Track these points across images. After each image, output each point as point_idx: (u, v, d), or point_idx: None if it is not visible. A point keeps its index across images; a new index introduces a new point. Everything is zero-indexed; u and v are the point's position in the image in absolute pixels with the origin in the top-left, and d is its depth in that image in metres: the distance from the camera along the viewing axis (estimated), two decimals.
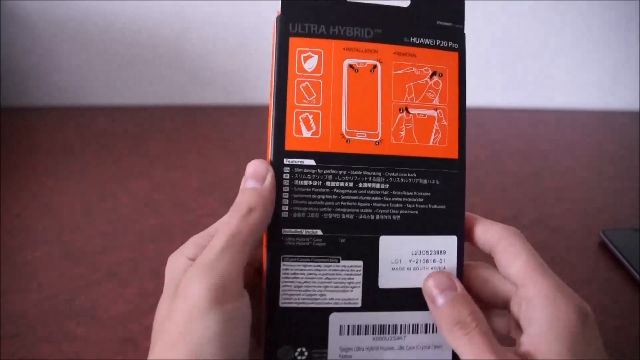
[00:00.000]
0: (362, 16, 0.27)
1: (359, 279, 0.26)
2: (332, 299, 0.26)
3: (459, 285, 0.25)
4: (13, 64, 0.75)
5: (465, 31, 0.28)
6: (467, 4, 0.28)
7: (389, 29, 0.27)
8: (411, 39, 0.27)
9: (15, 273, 0.43)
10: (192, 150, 0.65)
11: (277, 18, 0.26)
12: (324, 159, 0.26)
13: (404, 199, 0.27)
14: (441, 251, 0.27)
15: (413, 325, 0.26)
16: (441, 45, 0.28)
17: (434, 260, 0.27)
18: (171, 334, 0.21)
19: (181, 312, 0.21)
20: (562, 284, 0.24)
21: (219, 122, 0.73)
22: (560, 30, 0.80)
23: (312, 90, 0.26)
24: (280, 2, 0.26)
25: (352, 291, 0.26)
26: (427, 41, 0.27)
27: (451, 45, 0.28)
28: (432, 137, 0.27)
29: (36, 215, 0.51)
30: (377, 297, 0.26)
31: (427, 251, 0.27)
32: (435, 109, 0.27)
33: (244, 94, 0.78)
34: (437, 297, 0.25)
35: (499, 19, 0.79)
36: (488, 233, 0.27)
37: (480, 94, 0.83)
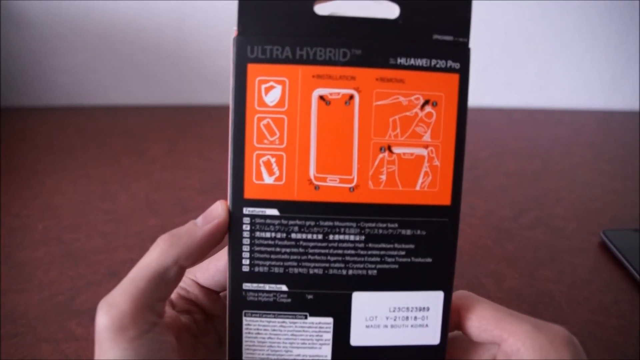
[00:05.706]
0: (337, 34, 0.22)
1: (328, 335, 0.24)
2: (298, 355, 0.24)
3: None
4: (13, 64, 0.75)
5: (471, 45, 0.23)
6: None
7: (370, 48, 0.22)
8: (399, 61, 0.22)
9: (15, 273, 0.43)
10: (192, 150, 0.65)
11: (234, 39, 0.22)
12: (288, 208, 0.23)
13: (382, 252, 0.23)
14: (424, 308, 0.24)
15: None
16: (437, 66, 0.22)
17: (415, 318, 0.24)
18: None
19: (96, 342, 0.21)
20: (539, 322, 0.23)
21: (219, 122, 0.73)
22: (561, 31, 0.80)
23: (275, 129, 0.22)
24: (237, 17, 0.22)
25: (320, 348, 0.24)
26: (419, 62, 0.22)
27: (451, 66, 0.23)
28: (420, 181, 0.23)
29: (36, 215, 0.51)
30: (348, 355, 0.24)
31: (407, 308, 0.24)
32: (426, 147, 0.23)
33: None
34: None
35: (499, 19, 0.79)
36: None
37: (481, 93, 0.83)
